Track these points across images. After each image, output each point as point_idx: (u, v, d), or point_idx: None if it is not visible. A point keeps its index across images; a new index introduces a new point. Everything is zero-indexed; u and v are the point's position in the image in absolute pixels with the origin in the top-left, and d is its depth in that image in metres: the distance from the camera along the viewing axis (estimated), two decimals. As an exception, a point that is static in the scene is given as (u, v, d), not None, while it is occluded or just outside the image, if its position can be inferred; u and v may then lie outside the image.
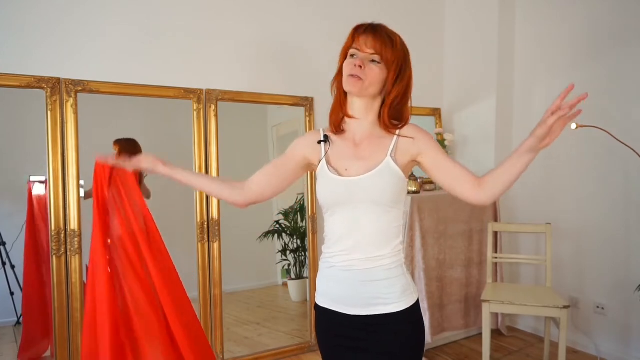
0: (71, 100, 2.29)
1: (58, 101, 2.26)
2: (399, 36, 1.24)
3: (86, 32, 2.38)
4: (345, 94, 1.28)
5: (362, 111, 1.27)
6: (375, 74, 1.21)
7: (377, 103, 1.27)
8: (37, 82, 2.22)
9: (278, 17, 2.94)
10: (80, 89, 2.31)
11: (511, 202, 3.38)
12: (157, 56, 2.56)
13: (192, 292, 2.61)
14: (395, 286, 1.23)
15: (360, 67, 1.19)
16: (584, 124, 2.59)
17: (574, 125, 2.57)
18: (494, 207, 3.25)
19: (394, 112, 1.26)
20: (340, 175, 1.24)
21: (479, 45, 3.43)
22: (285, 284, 3.32)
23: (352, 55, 1.23)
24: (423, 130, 1.30)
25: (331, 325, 1.29)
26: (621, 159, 2.70)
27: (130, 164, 1.41)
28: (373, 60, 1.21)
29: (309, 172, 2.93)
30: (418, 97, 4.10)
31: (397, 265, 1.25)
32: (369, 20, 1.26)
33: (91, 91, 2.34)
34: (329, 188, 1.24)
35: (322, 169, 1.27)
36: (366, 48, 1.20)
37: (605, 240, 2.86)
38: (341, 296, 1.25)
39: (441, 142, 3.39)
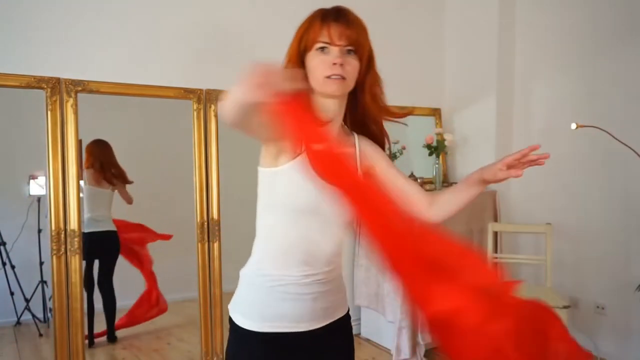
0: (71, 100, 2.28)
1: (58, 101, 2.26)
2: (358, 16, 1.10)
3: (86, 32, 2.38)
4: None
5: (337, 112, 1.12)
6: (354, 68, 1.06)
7: (345, 100, 1.12)
8: (37, 82, 2.22)
9: (278, 17, 2.94)
10: (80, 89, 2.31)
11: (511, 202, 3.38)
12: (157, 56, 2.56)
13: (192, 292, 2.61)
14: (344, 292, 1.23)
15: (341, 64, 1.03)
16: (584, 124, 2.59)
17: (574, 125, 2.57)
18: (494, 207, 3.25)
19: (378, 103, 1.14)
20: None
21: (479, 45, 3.43)
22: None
23: (322, 49, 1.05)
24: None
25: (282, 354, 1.10)
26: (621, 159, 2.70)
27: None
28: (349, 52, 1.05)
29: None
30: (418, 97, 4.08)
31: (340, 274, 1.22)
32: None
33: (91, 91, 2.34)
34: (303, 192, 1.05)
35: (297, 169, 1.06)
36: (339, 40, 1.03)
37: (605, 240, 2.86)
38: (301, 314, 1.10)
39: (441, 142, 3.38)
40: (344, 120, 1.17)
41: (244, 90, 0.81)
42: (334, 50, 1.04)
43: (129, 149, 2.66)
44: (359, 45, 1.05)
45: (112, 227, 2.64)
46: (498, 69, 3.32)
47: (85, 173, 2.53)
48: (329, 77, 1.03)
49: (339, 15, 1.06)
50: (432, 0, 3.64)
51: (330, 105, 1.09)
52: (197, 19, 2.68)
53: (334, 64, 1.03)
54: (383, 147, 1.23)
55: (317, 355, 1.15)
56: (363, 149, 1.16)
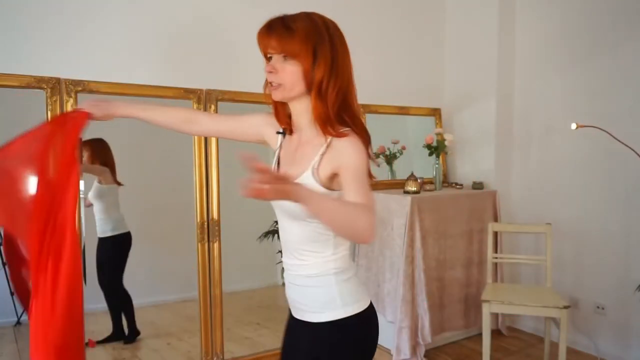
0: (71, 100, 2.28)
1: (58, 101, 2.26)
2: (302, 18, 1.11)
3: (86, 32, 2.38)
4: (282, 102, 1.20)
5: (300, 114, 1.18)
6: (289, 73, 1.09)
7: (308, 100, 1.14)
8: (37, 82, 2.22)
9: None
10: (80, 89, 2.31)
11: (511, 202, 3.38)
12: (157, 56, 2.56)
13: (192, 292, 2.61)
14: (316, 296, 1.16)
15: (271, 72, 1.11)
16: (584, 124, 2.59)
17: (574, 125, 2.57)
18: (494, 207, 3.25)
19: (325, 103, 1.09)
20: None
21: (479, 45, 3.43)
22: (285, 284, 3.32)
23: (269, 59, 1.13)
24: (358, 150, 1.07)
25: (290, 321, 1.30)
26: (621, 159, 2.70)
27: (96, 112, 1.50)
28: (285, 58, 1.09)
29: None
30: (418, 97, 4.08)
31: (324, 275, 1.16)
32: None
33: (91, 91, 2.34)
34: None
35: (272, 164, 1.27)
36: (270, 49, 1.11)
37: (605, 240, 2.86)
38: (288, 296, 1.27)
39: (441, 142, 3.38)
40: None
41: None
42: (272, 59, 1.12)
43: (129, 148, 2.66)
44: (285, 51, 1.09)
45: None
46: (498, 69, 3.32)
47: (103, 171, 2.57)
48: (269, 84, 1.14)
49: (264, 27, 1.13)
50: (432, 1, 3.64)
51: (293, 107, 1.19)
52: (197, 18, 2.68)
53: (267, 72, 1.12)
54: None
55: (300, 343, 1.22)
56: (328, 154, 1.10)
